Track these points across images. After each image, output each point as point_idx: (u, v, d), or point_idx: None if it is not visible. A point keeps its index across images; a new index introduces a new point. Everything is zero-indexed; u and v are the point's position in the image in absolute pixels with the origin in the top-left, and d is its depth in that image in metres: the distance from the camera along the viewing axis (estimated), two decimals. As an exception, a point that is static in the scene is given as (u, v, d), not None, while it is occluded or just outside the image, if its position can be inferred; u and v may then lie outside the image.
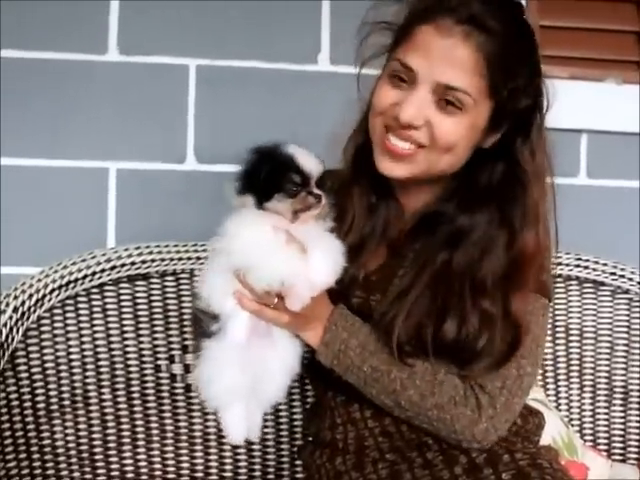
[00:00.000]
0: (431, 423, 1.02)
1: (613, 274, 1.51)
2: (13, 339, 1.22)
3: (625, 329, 1.51)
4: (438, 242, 1.04)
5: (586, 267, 1.51)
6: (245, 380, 0.99)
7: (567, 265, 1.49)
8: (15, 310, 1.22)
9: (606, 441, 1.51)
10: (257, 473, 1.40)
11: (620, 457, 1.50)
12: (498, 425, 1.01)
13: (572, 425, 1.49)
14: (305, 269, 0.94)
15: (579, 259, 1.51)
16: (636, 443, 1.50)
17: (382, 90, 1.02)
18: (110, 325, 1.34)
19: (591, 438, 1.51)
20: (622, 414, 1.50)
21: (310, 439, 1.21)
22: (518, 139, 1.03)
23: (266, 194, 0.95)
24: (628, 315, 1.51)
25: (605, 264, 1.51)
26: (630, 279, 1.51)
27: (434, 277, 1.03)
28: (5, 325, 1.21)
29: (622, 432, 1.50)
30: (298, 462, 1.38)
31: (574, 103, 1.63)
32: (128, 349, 1.35)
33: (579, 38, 1.73)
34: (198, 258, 1.37)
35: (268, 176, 0.95)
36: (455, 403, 1.00)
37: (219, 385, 0.99)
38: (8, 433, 1.22)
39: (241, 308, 0.98)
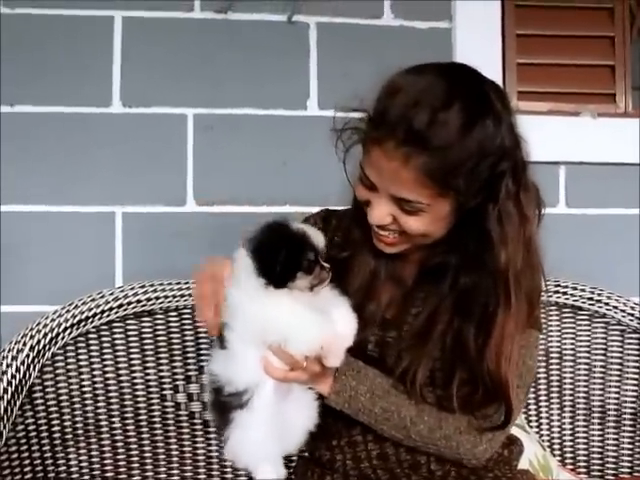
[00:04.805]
0: (438, 450, 1.12)
1: (590, 299, 1.56)
2: (30, 375, 1.32)
3: (602, 351, 1.57)
4: (445, 292, 1.10)
5: (565, 293, 1.57)
6: (275, 439, 1.06)
7: (547, 292, 1.50)
8: (32, 349, 1.32)
9: (585, 458, 1.56)
10: (257, 494, 1.49)
11: (599, 473, 1.56)
12: (494, 445, 1.13)
13: (552, 443, 1.56)
14: (335, 328, 1.01)
15: (558, 285, 1.56)
16: (613, 460, 1.55)
17: (358, 187, 1.08)
18: (119, 359, 1.44)
19: (571, 455, 1.57)
20: (600, 432, 1.56)
21: (306, 455, 1.27)
22: (489, 205, 1.02)
23: (288, 275, 0.99)
24: (605, 338, 1.57)
25: (583, 290, 1.57)
26: (607, 304, 1.56)
27: (446, 332, 1.09)
28: (23, 363, 1.31)
29: (600, 449, 1.56)
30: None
31: (553, 136, 1.70)
32: (136, 380, 1.45)
33: (555, 74, 1.77)
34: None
35: (288, 258, 0.98)
36: (460, 432, 1.10)
37: (255, 451, 1.05)
38: (27, 462, 1.32)
39: (268, 375, 1.02)
